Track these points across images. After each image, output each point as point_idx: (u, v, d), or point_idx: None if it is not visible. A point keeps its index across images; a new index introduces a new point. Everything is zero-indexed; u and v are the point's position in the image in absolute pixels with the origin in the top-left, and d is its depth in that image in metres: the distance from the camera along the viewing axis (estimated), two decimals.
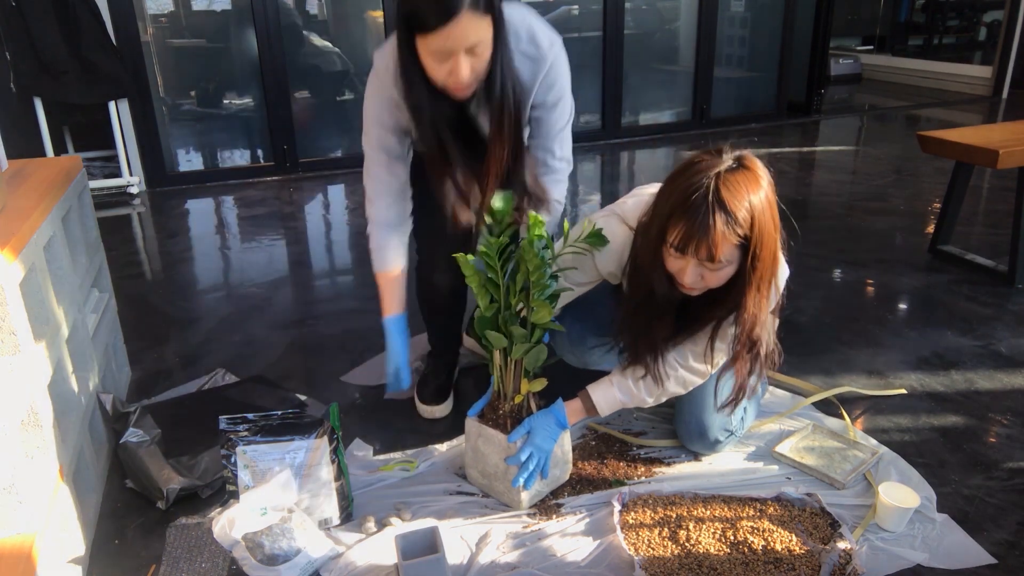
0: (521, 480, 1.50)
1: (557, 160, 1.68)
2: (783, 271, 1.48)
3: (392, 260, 1.72)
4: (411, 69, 1.43)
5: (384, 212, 1.70)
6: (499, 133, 1.52)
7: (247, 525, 1.44)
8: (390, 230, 1.71)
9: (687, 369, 1.57)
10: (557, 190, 1.70)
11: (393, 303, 1.73)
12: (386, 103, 1.56)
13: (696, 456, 1.71)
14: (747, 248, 1.31)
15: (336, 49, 4.58)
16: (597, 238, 1.46)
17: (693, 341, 1.54)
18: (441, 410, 1.90)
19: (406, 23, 1.38)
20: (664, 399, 1.62)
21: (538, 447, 1.51)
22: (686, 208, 1.29)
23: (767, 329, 1.45)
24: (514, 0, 1.49)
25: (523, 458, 1.49)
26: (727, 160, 1.31)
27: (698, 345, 1.54)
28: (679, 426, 1.70)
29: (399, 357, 1.72)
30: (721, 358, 1.55)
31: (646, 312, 1.49)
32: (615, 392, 1.60)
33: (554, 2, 4.89)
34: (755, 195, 1.29)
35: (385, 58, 1.51)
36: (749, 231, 1.29)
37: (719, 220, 1.26)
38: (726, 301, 1.41)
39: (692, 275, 1.34)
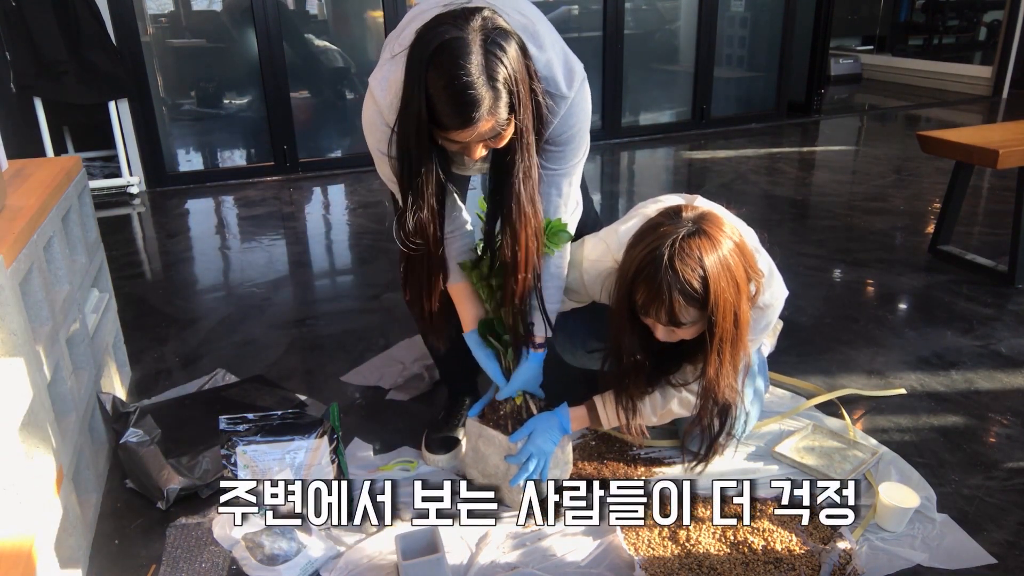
0: (520, 480, 1.50)
1: (561, 197, 1.53)
2: (778, 297, 1.47)
3: (455, 272, 1.55)
4: (416, 122, 1.26)
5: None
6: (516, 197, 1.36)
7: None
8: (449, 244, 1.55)
9: (690, 390, 1.54)
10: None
11: (466, 317, 1.58)
12: (387, 135, 1.36)
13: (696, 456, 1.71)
14: (709, 310, 1.31)
15: (336, 49, 4.58)
16: (556, 237, 1.45)
17: (693, 364, 1.51)
18: (445, 460, 1.74)
19: (427, 102, 1.22)
20: (667, 420, 1.61)
21: (539, 448, 1.51)
22: (645, 276, 1.31)
23: (735, 390, 1.43)
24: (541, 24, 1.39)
25: (523, 459, 1.49)
26: (686, 224, 1.31)
27: (698, 364, 1.52)
28: (681, 429, 1.70)
29: (487, 369, 1.59)
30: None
31: (626, 350, 1.47)
32: (621, 408, 1.58)
33: (554, 2, 4.89)
34: (710, 260, 1.28)
35: (388, 94, 1.33)
36: (704, 296, 1.29)
37: (674, 290, 1.28)
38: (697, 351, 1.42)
39: (663, 333, 1.38)
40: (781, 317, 1.91)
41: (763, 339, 1.52)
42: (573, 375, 1.82)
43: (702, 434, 1.52)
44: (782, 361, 2.09)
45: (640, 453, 1.73)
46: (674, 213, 1.34)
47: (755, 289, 1.38)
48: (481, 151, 1.28)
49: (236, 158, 4.59)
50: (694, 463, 1.59)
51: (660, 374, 1.54)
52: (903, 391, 1.96)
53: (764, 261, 1.45)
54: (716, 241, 1.30)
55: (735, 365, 1.40)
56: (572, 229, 1.57)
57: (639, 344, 1.45)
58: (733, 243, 1.32)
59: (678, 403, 1.56)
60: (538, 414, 1.55)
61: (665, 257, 1.29)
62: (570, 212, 1.56)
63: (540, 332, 1.53)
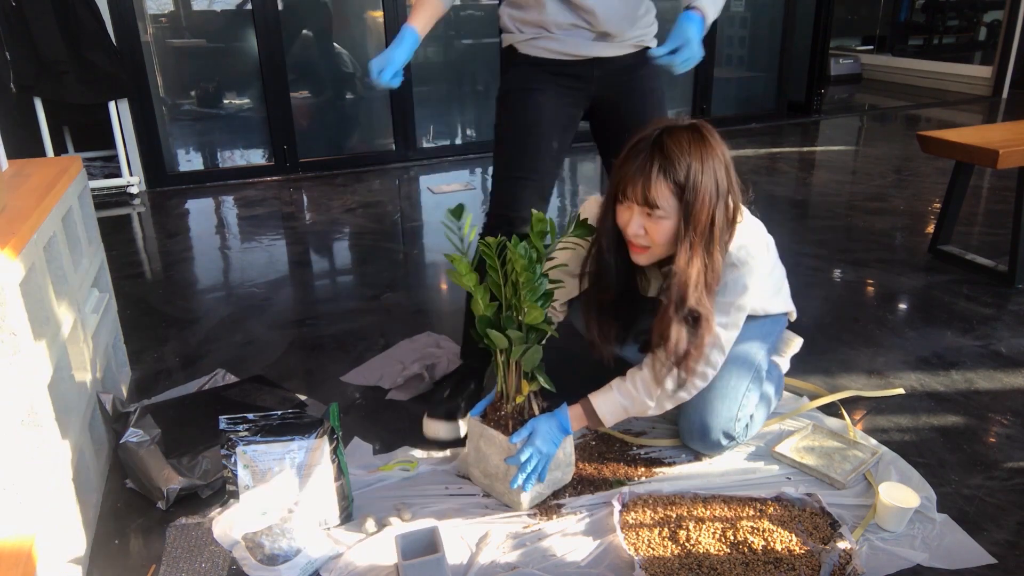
0: (519, 481, 1.50)
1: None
2: (751, 243, 1.51)
3: None
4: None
5: None
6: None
7: (247, 525, 1.44)
8: None
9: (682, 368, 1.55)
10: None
11: (418, 17, 1.73)
12: None
13: (696, 456, 1.71)
14: (685, 203, 1.39)
15: (336, 49, 4.58)
16: (584, 228, 1.46)
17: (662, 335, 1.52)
18: (445, 430, 1.77)
19: None
20: (667, 404, 1.60)
21: (538, 450, 1.50)
22: (632, 155, 1.40)
23: (704, 302, 1.46)
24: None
25: (523, 459, 1.49)
26: (682, 122, 1.42)
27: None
28: (682, 423, 1.70)
29: (397, 58, 1.66)
30: (718, 358, 1.55)
31: (606, 292, 1.57)
32: (616, 396, 1.58)
33: None
34: (696, 152, 1.37)
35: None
36: (684, 182, 1.37)
37: (655, 164, 1.37)
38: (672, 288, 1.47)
39: (635, 225, 1.44)
40: (795, 329, 1.93)
41: (739, 304, 1.52)
42: (581, 371, 1.82)
43: (666, 345, 1.49)
44: None
45: (640, 453, 1.73)
46: (676, 117, 1.44)
47: (733, 205, 1.44)
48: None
49: (236, 158, 4.59)
50: (665, 370, 1.54)
51: (632, 318, 1.61)
52: (902, 391, 1.96)
53: (757, 234, 1.53)
54: (707, 143, 1.39)
55: (704, 271, 1.44)
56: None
57: (615, 238, 1.51)
58: (722, 155, 1.41)
59: (672, 384, 1.55)
60: (539, 415, 1.55)
61: (653, 137, 1.39)
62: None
63: None
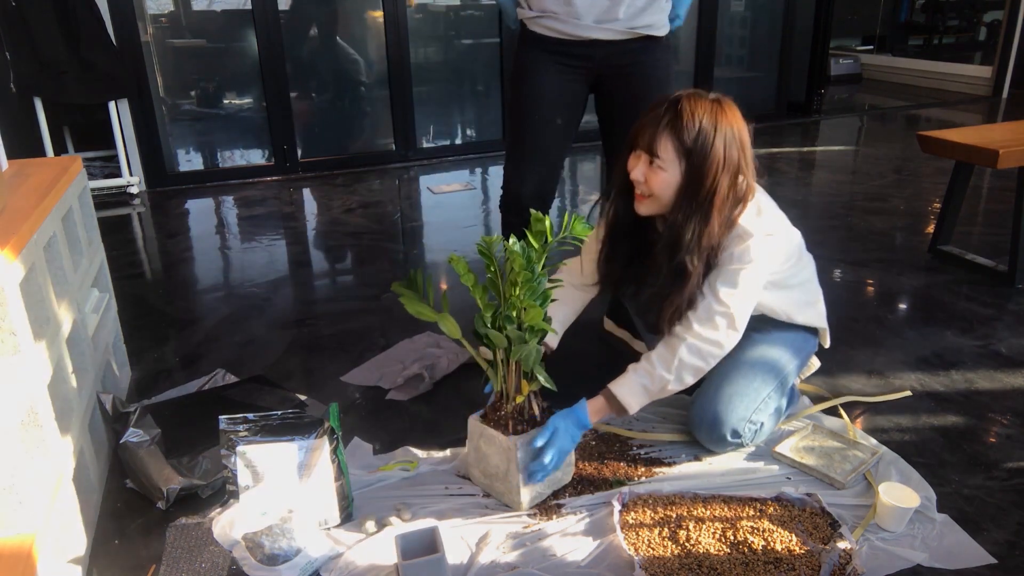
0: (537, 479, 1.51)
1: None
2: (772, 238, 1.56)
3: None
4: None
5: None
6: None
7: (247, 525, 1.44)
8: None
9: (695, 337, 1.56)
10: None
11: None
12: None
13: (696, 456, 1.71)
14: (691, 164, 1.48)
15: (337, 49, 4.58)
16: (583, 228, 1.46)
17: (693, 310, 1.57)
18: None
19: None
20: (686, 376, 1.58)
21: (560, 450, 1.51)
22: (652, 109, 1.52)
23: (693, 264, 1.53)
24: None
25: (546, 461, 1.49)
26: (709, 92, 1.52)
27: (698, 311, 1.56)
28: (694, 411, 1.69)
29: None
30: (725, 325, 1.56)
31: (622, 244, 1.69)
32: (633, 377, 1.59)
33: None
34: (711, 120, 1.46)
35: None
36: (692, 144, 1.46)
37: (666, 119, 1.48)
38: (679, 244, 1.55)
39: (637, 171, 1.54)
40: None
41: (744, 274, 1.55)
42: (583, 369, 1.83)
43: (659, 292, 1.60)
44: None
45: (640, 453, 1.73)
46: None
47: (743, 181, 1.52)
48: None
49: (236, 158, 4.59)
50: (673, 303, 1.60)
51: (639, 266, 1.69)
52: (908, 393, 1.96)
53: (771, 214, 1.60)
54: (725, 114, 1.49)
55: (699, 234, 1.52)
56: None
57: (624, 189, 1.61)
58: (737, 130, 1.50)
59: (687, 350, 1.56)
60: (557, 412, 1.56)
61: (672, 97, 1.50)
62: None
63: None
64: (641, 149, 1.53)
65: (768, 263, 1.58)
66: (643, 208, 1.60)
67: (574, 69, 1.96)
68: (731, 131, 1.48)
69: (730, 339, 1.58)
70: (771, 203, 1.64)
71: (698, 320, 1.56)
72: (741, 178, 1.52)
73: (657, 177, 1.52)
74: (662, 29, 1.96)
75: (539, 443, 1.49)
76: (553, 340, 1.78)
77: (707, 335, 1.56)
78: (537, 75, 1.97)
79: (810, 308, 1.79)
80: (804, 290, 1.77)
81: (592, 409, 1.58)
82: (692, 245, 1.53)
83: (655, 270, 1.61)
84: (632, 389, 1.59)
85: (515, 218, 2.11)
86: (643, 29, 1.91)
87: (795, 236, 1.69)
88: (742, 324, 1.58)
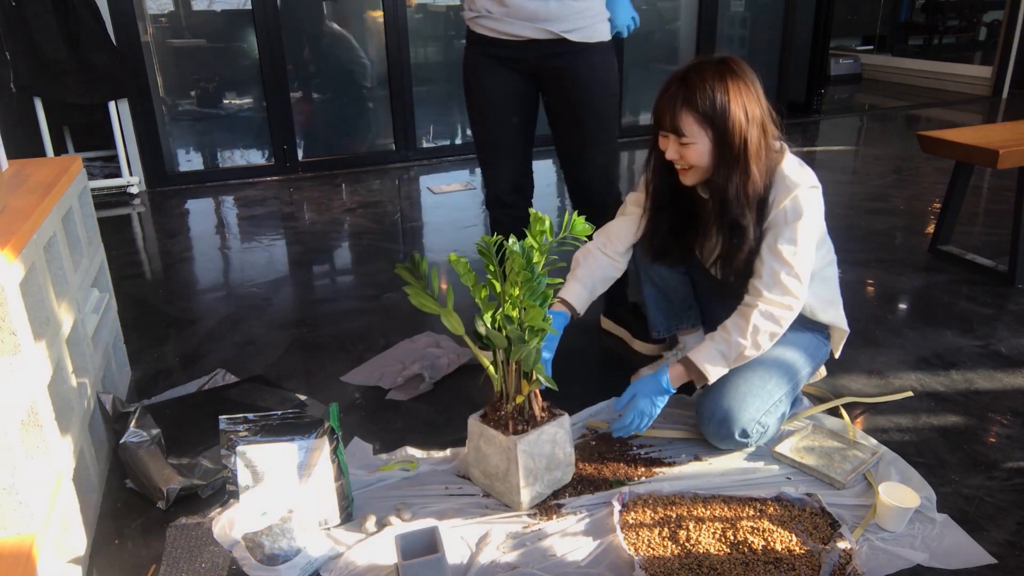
0: (618, 434, 1.67)
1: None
2: (799, 186, 1.57)
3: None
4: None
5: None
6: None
7: (247, 525, 1.44)
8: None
9: (766, 302, 1.59)
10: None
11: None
12: None
13: (696, 456, 1.71)
14: (716, 128, 1.51)
15: (337, 49, 4.58)
16: (582, 227, 1.46)
17: (758, 277, 1.61)
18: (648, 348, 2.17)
19: None
20: (764, 343, 1.61)
21: (640, 411, 1.64)
22: (664, 89, 1.56)
23: (744, 214, 1.57)
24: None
25: (627, 423, 1.64)
26: (714, 56, 1.55)
27: (763, 276, 1.60)
28: (705, 405, 1.69)
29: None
30: (794, 285, 1.58)
31: (667, 217, 1.75)
32: (710, 345, 1.64)
33: None
34: (721, 83, 1.50)
35: None
36: (710, 110, 1.50)
37: (680, 96, 1.52)
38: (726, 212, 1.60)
39: (671, 151, 1.58)
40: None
41: (799, 227, 1.57)
42: (583, 369, 1.86)
43: (722, 254, 1.66)
44: None
45: (640, 453, 1.73)
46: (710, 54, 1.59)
47: (767, 129, 1.55)
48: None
49: (236, 158, 4.59)
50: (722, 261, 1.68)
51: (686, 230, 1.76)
52: (910, 393, 1.96)
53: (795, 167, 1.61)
54: (735, 73, 1.51)
55: (744, 185, 1.55)
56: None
57: (662, 167, 1.67)
58: (750, 84, 1.53)
59: (760, 316, 1.59)
60: (643, 376, 1.68)
61: (681, 72, 1.54)
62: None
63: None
64: (666, 130, 1.56)
65: (818, 216, 1.60)
66: (688, 179, 1.64)
67: (514, 70, 2.00)
68: (744, 87, 1.52)
69: (799, 298, 1.60)
70: (795, 159, 1.67)
71: (765, 285, 1.59)
72: (770, 126, 1.57)
73: (689, 151, 1.56)
74: (595, 35, 1.97)
75: (619, 408, 1.62)
76: (580, 304, 1.81)
77: (777, 298, 1.59)
78: (484, 77, 2.03)
79: (833, 308, 1.80)
80: (829, 287, 1.79)
81: (672, 375, 1.65)
82: (740, 199, 1.56)
83: (709, 235, 1.67)
84: (710, 356, 1.63)
85: (499, 212, 2.19)
86: (572, 34, 1.92)
87: (818, 185, 1.70)
88: (807, 280, 1.61)
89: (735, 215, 1.58)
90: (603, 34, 2.00)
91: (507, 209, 2.18)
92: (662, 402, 1.66)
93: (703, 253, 1.79)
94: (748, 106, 1.52)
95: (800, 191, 1.56)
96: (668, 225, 1.76)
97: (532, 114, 2.12)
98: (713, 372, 1.63)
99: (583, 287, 1.80)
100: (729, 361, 1.63)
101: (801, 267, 1.58)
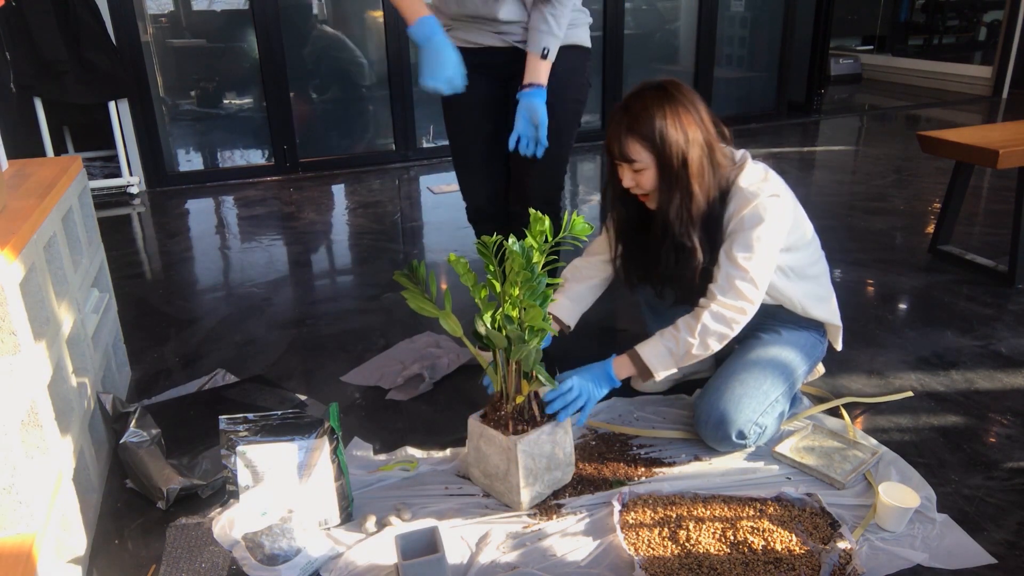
0: (555, 408, 1.54)
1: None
2: (760, 201, 1.57)
3: None
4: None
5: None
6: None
7: (247, 525, 1.44)
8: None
9: (718, 304, 1.59)
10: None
11: (416, 7, 1.77)
12: None
13: (696, 456, 1.71)
14: (656, 151, 1.54)
15: (337, 49, 4.58)
16: (582, 228, 1.46)
17: (713, 281, 1.62)
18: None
19: None
20: (713, 343, 1.61)
21: (585, 388, 1.59)
22: (611, 120, 1.60)
23: (688, 234, 1.60)
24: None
25: (565, 389, 1.56)
26: (653, 82, 1.58)
27: (718, 280, 1.60)
28: (701, 408, 1.70)
29: (453, 53, 1.76)
30: (749, 290, 1.58)
31: (633, 243, 1.75)
32: (659, 340, 1.63)
33: None
34: (660, 107, 1.52)
35: None
36: (651, 135, 1.52)
37: (624, 125, 1.55)
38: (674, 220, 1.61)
39: (626, 179, 1.61)
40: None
41: (758, 235, 1.57)
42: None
43: (669, 276, 1.69)
44: None
45: (640, 453, 1.73)
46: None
47: (709, 148, 1.56)
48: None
49: (236, 158, 4.59)
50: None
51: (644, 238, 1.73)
52: (910, 394, 1.96)
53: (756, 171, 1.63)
54: (672, 97, 1.54)
55: (685, 206, 1.58)
56: None
57: (622, 194, 1.68)
58: (689, 105, 1.54)
59: (710, 316, 1.59)
60: (581, 368, 1.64)
61: (623, 100, 1.58)
62: None
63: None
64: (617, 159, 1.59)
65: (779, 222, 1.59)
66: (651, 203, 1.66)
67: (486, 76, 1.99)
68: (682, 108, 1.53)
69: (753, 302, 1.60)
70: (779, 178, 1.67)
71: (719, 288, 1.60)
72: (716, 145, 1.58)
73: (643, 176, 1.58)
74: (568, 41, 1.96)
75: (549, 397, 1.56)
76: (568, 316, 1.81)
77: (730, 302, 1.59)
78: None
79: (825, 303, 1.79)
80: (819, 284, 1.79)
81: (616, 365, 1.64)
82: (683, 220, 1.59)
83: (656, 259, 1.67)
84: (657, 351, 1.63)
85: (481, 228, 2.18)
86: (524, 45, 1.92)
87: (784, 188, 1.69)
88: (763, 285, 1.60)
89: (679, 236, 1.60)
90: (566, 39, 1.97)
91: (487, 223, 2.15)
92: (604, 390, 1.64)
93: (654, 278, 1.79)
94: (686, 128, 1.53)
95: (759, 200, 1.56)
96: (639, 252, 1.75)
97: (507, 122, 2.08)
98: (659, 366, 1.63)
99: (570, 300, 1.81)
100: (676, 358, 1.62)
101: (757, 272, 1.58)
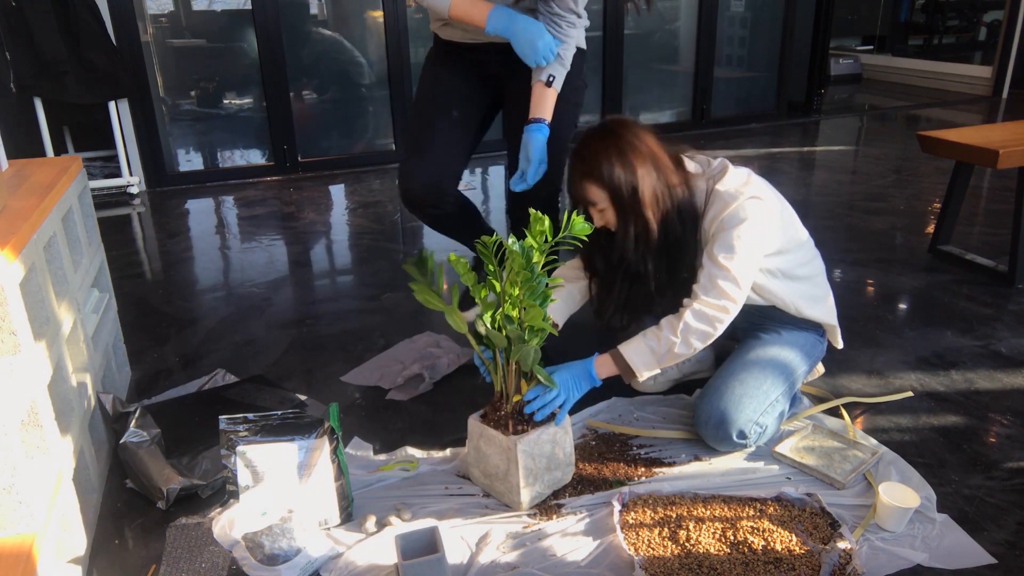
0: (535, 407, 1.52)
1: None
2: (741, 201, 1.58)
3: None
4: None
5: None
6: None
7: (247, 525, 1.44)
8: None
9: (700, 303, 1.60)
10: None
11: (480, 7, 1.82)
12: None
13: (696, 456, 1.71)
14: (607, 188, 1.57)
15: (336, 49, 4.58)
16: (581, 227, 1.46)
17: (696, 280, 1.63)
18: (470, 313, 1.93)
19: None
20: (695, 343, 1.60)
21: (565, 384, 1.58)
22: (569, 168, 1.65)
23: (644, 263, 1.65)
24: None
25: (542, 389, 1.54)
26: (596, 125, 1.63)
27: (700, 280, 1.61)
28: (701, 408, 1.69)
29: (536, 22, 1.83)
30: (731, 289, 1.58)
31: (606, 280, 1.77)
32: (641, 340, 1.63)
33: None
34: (604, 148, 1.56)
35: None
36: (601, 175, 1.56)
37: (577, 170, 1.61)
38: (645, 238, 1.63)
39: (596, 220, 1.64)
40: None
41: (738, 234, 1.58)
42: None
43: (621, 304, 1.77)
44: None
45: (640, 453, 1.73)
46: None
47: (658, 174, 1.59)
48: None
49: (236, 158, 4.59)
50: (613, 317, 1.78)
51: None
52: (910, 393, 1.96)
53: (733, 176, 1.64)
54: (614, 134, 1.58)
55: (640, 234, 1.61)
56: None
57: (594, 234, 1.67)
58: (632, 140, 1.57)
59: (692, 316, 1.60)
60: (564, 364, 1.63)
61: (574, 148, 1.62)
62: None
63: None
64: (581, 204, 1.63)
65: (761, 223, 1.59)
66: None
67: (475, 65, 2.03)
68: (626, 145, 1.56)
69: (735, 301, 1.60)
70: (766, 183, 1.68)
71: (702, 288, 1.60)
72: (669, 167, 1.61)
73: (607, 215, 1.62)
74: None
75: (529, 396, 1.53)
76: (557, 316, 1.82)
77: (712, 300, 1.59)
78: (435, 70, 2.08)
79: (819, 303, 1.79)
80: (813, 284, 1.79)
81: (598, 364, 1.64)
82: (638, 247, 1.62)
83: (611, 289, 1.75)
84: (639, 350, 1.62)
85: (415, 212, 2.18)
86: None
87: (770, 191, 1.69)
88: (746, 285, 1.60)
89: (633, 263, 1.64)
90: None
91: (421, 210, 2.15)
92: (584, 389, 1.64)
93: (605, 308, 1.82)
94: (633, 160, 1.56)
95: (739, 202, 1.57)
96: (616, 290, 1.77)
97: (476, 119, 2.10)
98: (641, 365, 1.62)
99: (560, 300, 1.82)
100: (658, 357, 1.62)
101: (739, 271, 1.58)
